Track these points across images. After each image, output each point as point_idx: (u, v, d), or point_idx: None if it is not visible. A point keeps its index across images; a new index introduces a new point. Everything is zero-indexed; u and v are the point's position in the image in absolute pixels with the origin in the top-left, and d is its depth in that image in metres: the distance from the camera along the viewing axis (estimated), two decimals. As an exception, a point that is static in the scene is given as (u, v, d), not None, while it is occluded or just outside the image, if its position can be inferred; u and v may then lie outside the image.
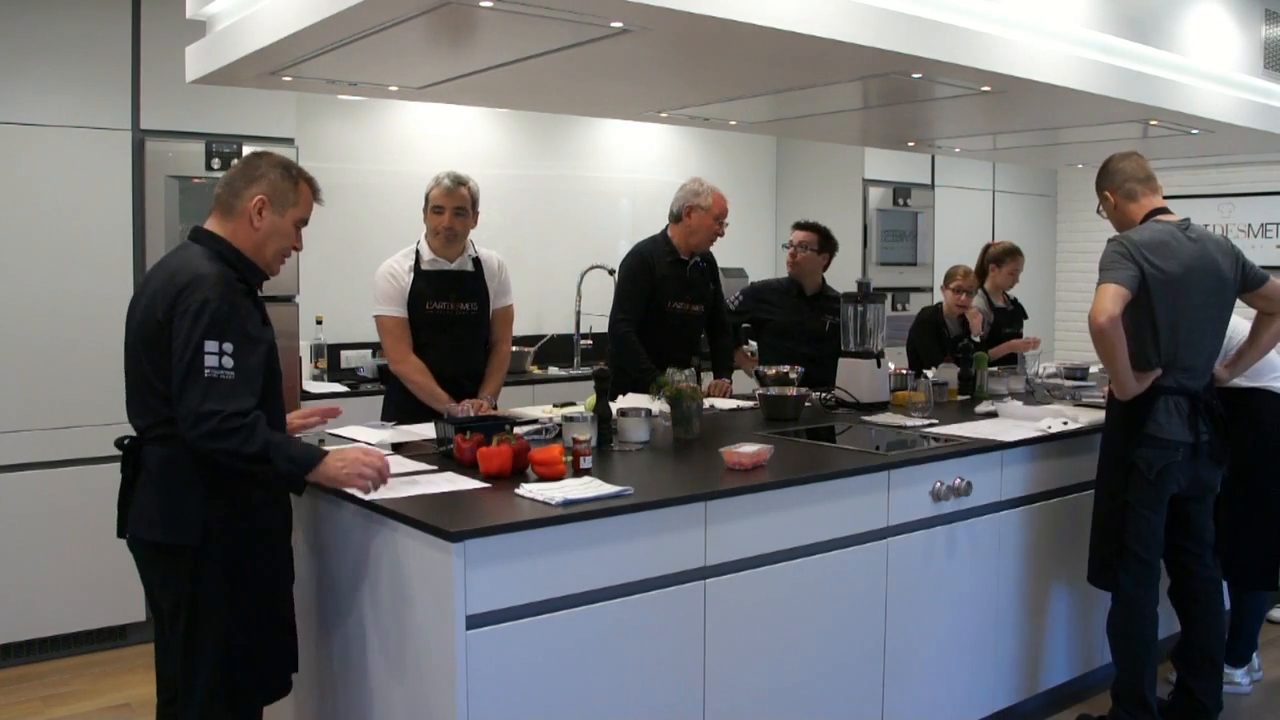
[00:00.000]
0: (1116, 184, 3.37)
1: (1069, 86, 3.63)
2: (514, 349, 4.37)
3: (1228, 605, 3.68)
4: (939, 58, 3.19)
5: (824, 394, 4.06)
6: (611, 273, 4.61)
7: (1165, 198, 3.38)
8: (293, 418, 2.72)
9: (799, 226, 4.66)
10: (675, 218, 4.25)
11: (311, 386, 4.77)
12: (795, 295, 4.64)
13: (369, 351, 5.18)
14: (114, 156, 4.18)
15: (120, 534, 2.47)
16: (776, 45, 2.97)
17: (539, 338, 5.80)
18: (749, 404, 4.04)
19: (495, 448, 2.69)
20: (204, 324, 2.29)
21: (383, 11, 2.63)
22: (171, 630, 2.43)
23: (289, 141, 4.49)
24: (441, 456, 2.94)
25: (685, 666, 2.60)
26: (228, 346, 2.30)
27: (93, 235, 4.14)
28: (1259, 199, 7.01)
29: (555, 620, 2.35)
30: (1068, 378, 4.77)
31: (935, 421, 3.66)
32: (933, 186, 6.91)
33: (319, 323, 5.07)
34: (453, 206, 3.68)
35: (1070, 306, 7.80)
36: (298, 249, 2.60)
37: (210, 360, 2.27)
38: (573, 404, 3.75)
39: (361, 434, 3.26)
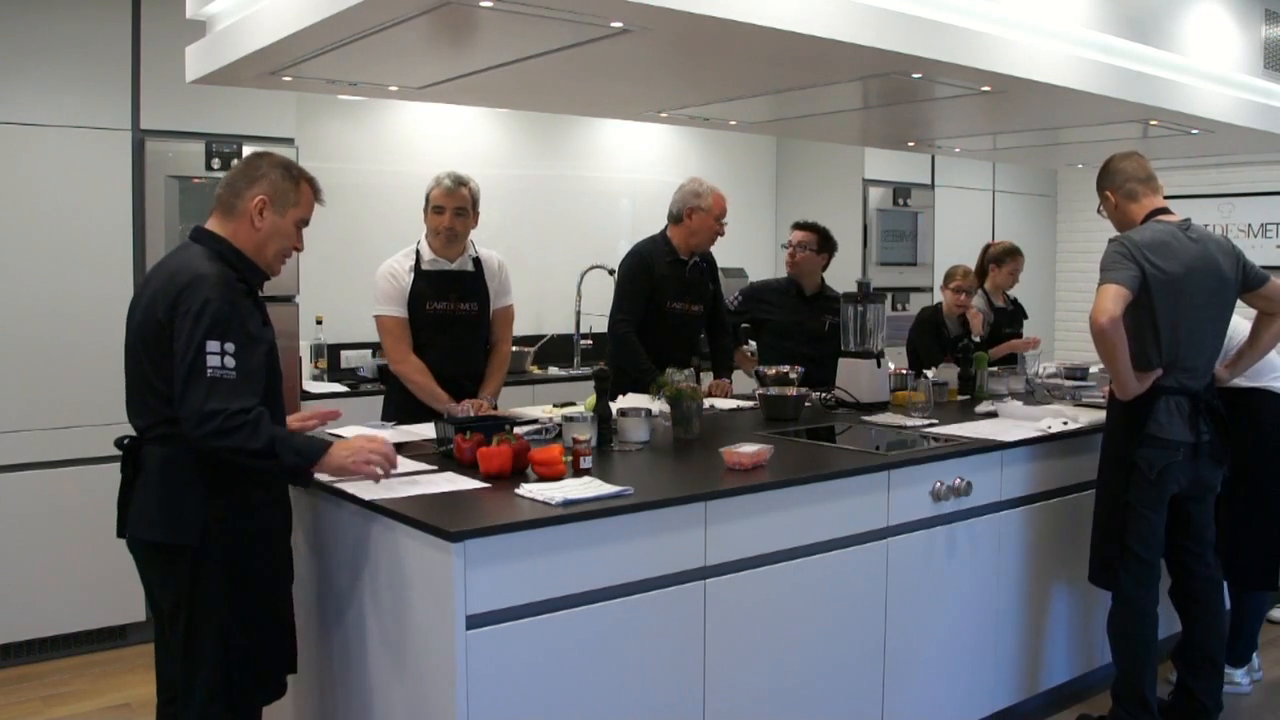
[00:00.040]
0: (1117, 184, 3.37)
1: (1069, 86, 3.63)
2: (514, 349, 4.37)
3: (1228, 605, 3.68)
4: (939, 58, 3.19)
5: (824, 394, 4.06)
6: (611, 273, 4.61)
7: (1165, 198, 3.38)
8: (291, 420, 2.72)
9: (798, 226, 4.66)
10: (675, 219, 4.24)
11: (311, 386, 4.77)
12: (794, 295, 4.64)
13: (369, 351, 5.18)
14: (114, 156, 4.18)
15: (120, 534, 2.47)
16: (776, 45, 2.97)
17: (539, 338, 5.80)
18: (749, 404, 4.04)
19: (495, 448, 2.69)
20: (205, 324, 2.29)
21: (383, 11, 2.63)
22: (171, 630, 2.43)
23: (289, 141, 4.49)
24: (441, 456, 2.94)
25: (685, 666, 2.60)
26: (229, 346, 2.30)
27: (93, 235, 4.14)
28: (1259, 199, 7.01)
29: (555, 620, 2.35)
30: (1068, 378, 4.77)
31: (935, 421, 3.66)
32: (933, 186, 6.91)
33: (319, 323, 5.07)
34: (453, 207, 3.68)
35: (1070, 306, 7.80)
36: (299, 249, 2.60)
37: (212, 360, 2.28)
38: (573, 404, 3.75)
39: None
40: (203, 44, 3.40)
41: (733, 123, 4.75)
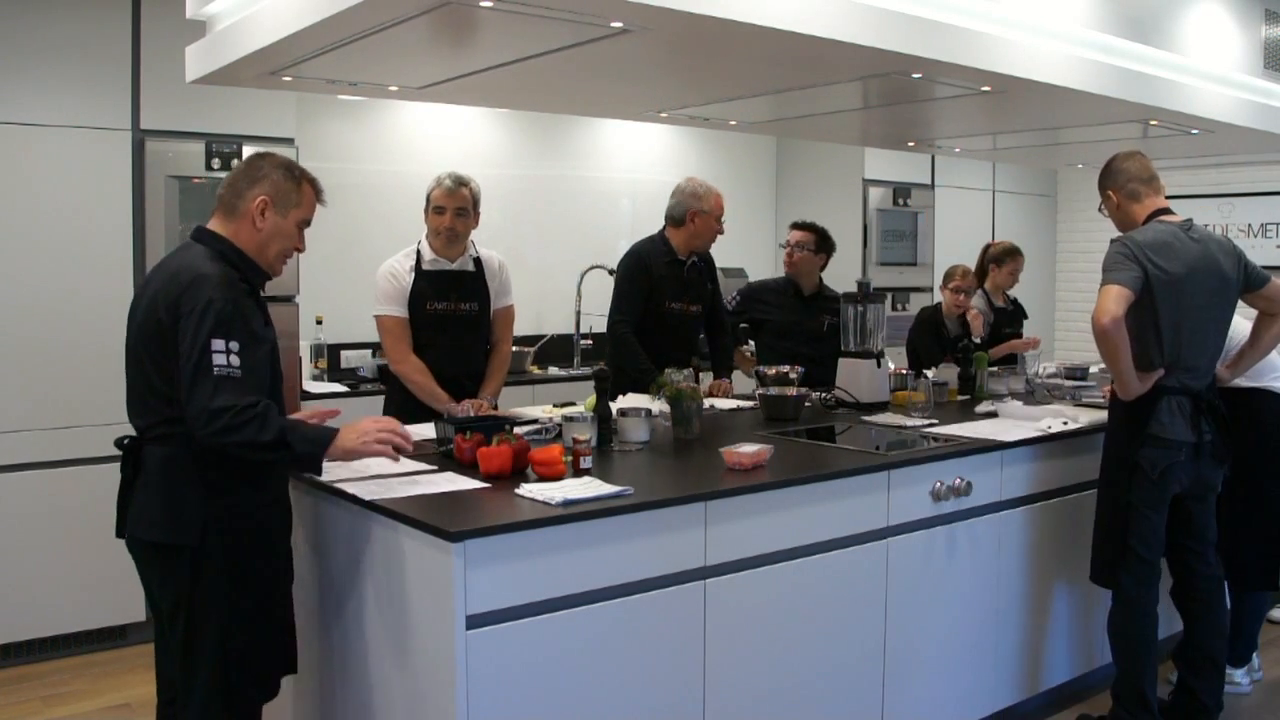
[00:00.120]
0: (1120, 184, 3.36)
1: (1069, 86, 3.63)
2: (514, 349, 4.37)
3: (1229, 605, 3.68)
4: (939, 58, 3.19)
5: (824, 394, 4.05)
6: (611, 272, 4.61)
7: (1165, 198, 3.38)
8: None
9: (796, 226, 4.65)
10: (677, 221, 4.22)
11: (311, 386, 4.77)
12: (793, 295, 4.63)
13: (369, 351, 5.18)
14: (114, 156, 4.18)
15: (119, 534, 2.47)
16: (776, 45, 2.97)
17: (539, 338, 5.80)
18: (749, 404, 4.04)
19: (495, 448, 2.69)
20: (210, 323, 2.29)
21: (383, 11, 2.63)
22: (171, 630, 2.43)
23: (289, 141, 4.50)
24: (441, 456, 2.94)
25: (685, 666, 2.60)
26: (234, 345, 2.31)
27: (93, 235, 4.14)
28: (1259, 199, 7.01)
29: (555, 620, 2.35)
30: (1068, 378, 4.77)
31: (935, 421, 3.66)
32: (933, 186, 6.91)
33: (319, 323, 5.07)
34: (454, 207, 3.68)
35: (1070, 306, 7.80)
36: (300, 250, 2.60)
37: (218, 359, 2.28)
38: (573, 404, 3.75)
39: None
40: (203, 44, 3.40)
41: (733, 123, 4.75)
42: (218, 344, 2.29)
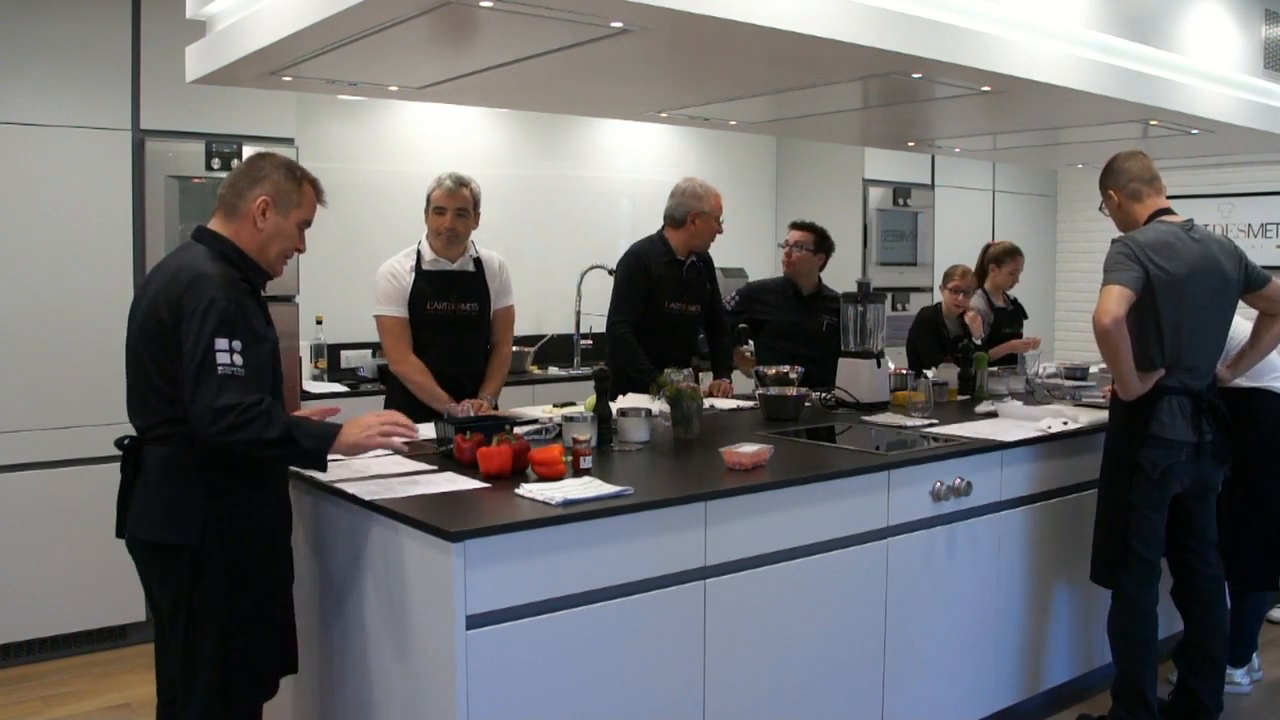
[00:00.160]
0: (1121, 184, 3.36)
1: (1069, 86, 3.63)
2: (514, 349, 4.37)
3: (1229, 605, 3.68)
4: (939, 58, 3.19)
5: (824, 394, 4.05)
6: (611, 273, 4.61)
7: (1166, 198, 3.38)
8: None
9: (795, 226, 4.65)
10: (677, 222, 4.21)
11: (311, 386, 4.77)
12: (792, 296, 4.63)
13: (369, 351, 5.18)
14: (114, 156, 4.18)
15: (119, 534, 2.47)
16: (776, 45, 2.97)
17: (539, 338, 5.80)
18: (749, 404, 4.04)
19: (495, 448, 2.69)
20: (213, 323, 2.29)
21: (383, 11, 2.63)
22: (171, 630, 2.43)
23: (289, 141, 4.50)
24: (441, 456, 2.94)
25: (685, 666, 2.60)
26: (237, 344, 2.31)
27: (93, 235, 4.14)
28: (1259, 199, 7.01)
29: (555, 620, 2.35)
30: (1068, 378, 4.77)
31: (935, 421, 3.66)
32: (933, 186, 6.91)
33: (319, 323, 5.07)
34: (454, 208, 3.68)
35: (1070, 306, 7.80)
36: (301, 250, 2.60)
37: (222, 358, 2.28)
38: (573, 404, 3.75)
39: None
40: (203, 44, 3.40)
41: (733, 123, 4.75)
42: (221, 343, 2.29)
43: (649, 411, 3.29)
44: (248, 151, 4.31)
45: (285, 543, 2.57)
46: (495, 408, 3.68)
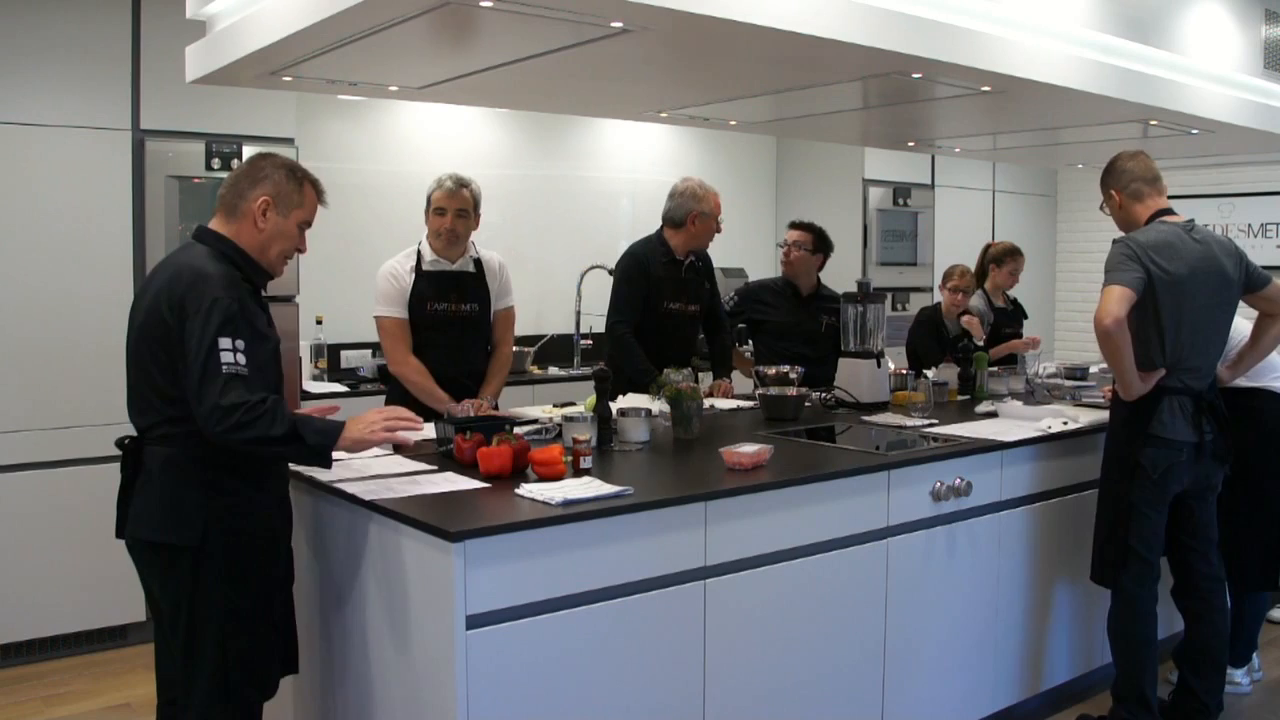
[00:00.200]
0: (1123, 184, 3.36)
1: (1069, 86, 3.63)
2: (514, 349, 4.37)
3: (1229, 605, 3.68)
4: (939, 58, 3.19)
5: (824, 394, 4.05)
6: (611, 273, 4.61)
7: (1168, 198, 3.38)
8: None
9: (793, 226, 4.64)
10: (676, 223, 4.20)
11: (311, 386, 4.77)
12: (791, 296, 4.62)
13: (369, 351, 5.18)
14: (114, 156, 4.18)
15: (119, 534, 2.47)
16: (776, 45, 2.97)
17: (539, 338, 5.80)
18: (749, 404, 4.04)
19: (495, 448, 2.69)
20: (216, 322, 2.30)
21: (383, 11, 2.63)
22: (171, 630, 2.43)
23: (289, 141, 4.50)
24: (441, 456, 2.94)
25: (685, 666, 2.60)
26: (240, 343, 2.32)
27: (93, 235, 4.14)
28: (1259, 199, 7.02)
29: (555, 620, 2.35)
30: (1068, 378, 4.77)
31: (935, 421, 3.66)
32: (933, 186, 6.92)
33: (319, 323, 5.07)
34: (455, 209, 3.68)
35: (1070, 306, 7.80)
36: (302, 251, 2.60)
37: (226, 357, 2.29)
38: (573, 404, 3.75)
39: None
40: (203, 44, 3.40)
41: (733, 123, 4.75)
42: (225, 342, 2.30)
43: (649, 411, 3.29)
44: (248, 151, 4.31)
45: (285, 543, 2.57)
46: (495, 408, 3.68)
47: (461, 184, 3.70)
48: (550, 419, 3.27)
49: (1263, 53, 4.49)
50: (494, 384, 3.81)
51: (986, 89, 3.63)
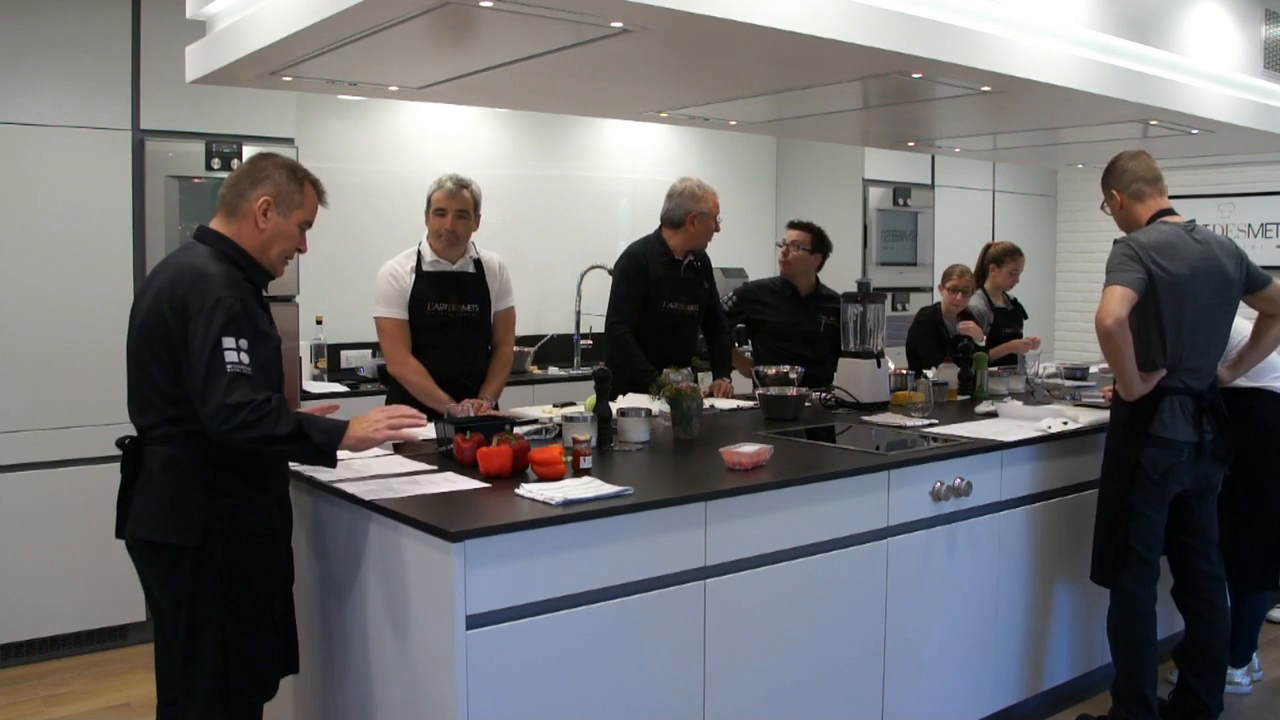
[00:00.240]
0: (1124, 184, 3.36)
1: (1069, 86, 3.63)
2: (515, 349, 4.37)
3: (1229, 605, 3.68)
4: (939, 58, 3.19)
5: (824, 394, 4.05)
6: (611, 272, 4.62)
7: (1168, 198, 3.38)
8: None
9: (792, 225, 4.63)
10: (675, 224, 4.19)
11: (311, 386, 4.77)
12: (790, 296, 4.62)
13: (369, 351, 5.18)
14: (114, 156, 4.18)
15: (119, 534, 2.47)
16: (776, 45, 2.97)
17: (539, 338, 5.80)
18: (749, 404, 4.04)
19: (495, 448, 2.69)
20: (220, 322, 2.30)
21: (383, 11, 2.63)
22: (171, 630, 2.43)
23: (289, 141, 4.50)
24: (441, 456, 2.94)
25: (685, 666, 2.60)
26: (243, 343, 2.32)
27: (93, 235, 4.14)
28: (1259, 199, 7.02)
29: (555, 620, 2.35)
30: (1068, 378, 4.77)
31: (935, 421, 3.66)
32: (933, 186, 6.92)
33: (319, 323, 5.07)
34: (455, 209, 3.68)
35: (1070, 306, 7.80)
36: (302, 251, 2.61)
37: (230, 356, 2.29)
38: (573, 404, 3.75)
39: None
40: (203, 44, 3.40)
41: (733, 123, 4.75)
42: (228, 341, 2.30)
43: (649, 411, 3.29)
44: (248, 151, 4.31)
45: (286, 543, 2.57)
46: (495, 408, 3.68)
47: (462, 185, 3.69)
48: (550, 419, 3.27)
49: (1263, 53, 4.49)
50: (494, 384, 3.81)
51: (986, 89, 3.63)
